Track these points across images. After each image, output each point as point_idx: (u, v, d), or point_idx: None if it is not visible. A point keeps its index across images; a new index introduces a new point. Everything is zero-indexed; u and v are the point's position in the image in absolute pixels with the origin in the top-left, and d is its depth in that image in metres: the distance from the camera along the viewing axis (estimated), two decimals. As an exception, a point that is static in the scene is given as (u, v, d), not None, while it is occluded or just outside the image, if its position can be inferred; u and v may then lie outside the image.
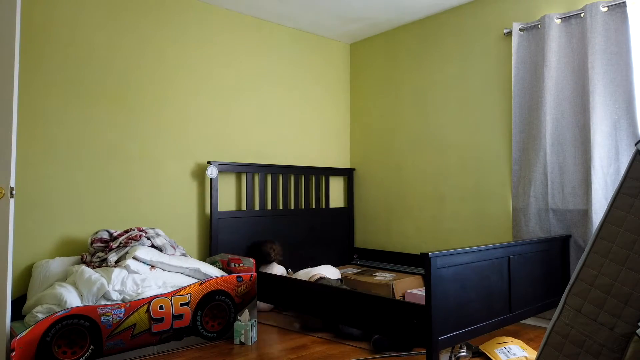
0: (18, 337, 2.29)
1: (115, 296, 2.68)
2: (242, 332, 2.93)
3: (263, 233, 4.02)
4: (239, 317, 2.99)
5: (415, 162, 4.23)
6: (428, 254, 2.28)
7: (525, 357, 2.56)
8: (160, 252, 3.03)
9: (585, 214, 3.08)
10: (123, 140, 3.40)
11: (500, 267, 2.69)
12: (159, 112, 3.58)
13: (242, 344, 2.93)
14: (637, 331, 1.54)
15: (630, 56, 2.91)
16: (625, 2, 2.93)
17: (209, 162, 3.72)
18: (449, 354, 2.61)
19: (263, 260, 3.78)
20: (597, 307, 1.65)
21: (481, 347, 2.68)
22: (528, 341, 2.93)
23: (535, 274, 2.95)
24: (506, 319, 2.71)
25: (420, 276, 3.80)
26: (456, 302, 2.41)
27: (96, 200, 3.27)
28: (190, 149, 3.73)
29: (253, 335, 2.95)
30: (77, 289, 2.68)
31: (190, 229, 3.72)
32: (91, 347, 2.50)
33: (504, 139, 3.61)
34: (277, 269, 3.80)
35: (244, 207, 3.98)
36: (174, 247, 3.19)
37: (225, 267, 3.35)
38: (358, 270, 4.19)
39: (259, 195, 4.02)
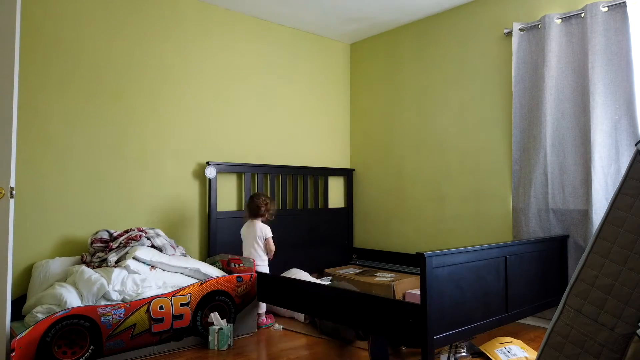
0: (18, 337, 2.29)
1: (115, 296, 2.68)
2: (211, 336, 2.84)
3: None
4: (209, 321, 2.90)
5: (415, 162, 4.23)
6: (423, 254, 2.29)
7: (526, 358, 2.56)
8: (160, 252, 3.03)
9: (586, 214, 3.08)
10: (123, 140, 3.40)
11: (497, 267, 2.69)
12: (160, 112, 3.57)
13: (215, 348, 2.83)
14: (638, 331, 1.54)
15: (631, 56, 2.91)
16: (625, 2, 2.93)
17: (207, 163, 3.71)
18: (447, 354, 2.60)
19: (251, 213, 3.45)
20: (598, 307, 1.65)
21: (481, 348, 2.68)
22: (528, 341, 2.93)
23: (533, 273, 2.94)
24: (503, 318, 2.71)
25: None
26: (452, 302, 2.42)
27: (96, 200, 3.27)
28: (190, 149, 3.72)
29: (224, 340, 2.83)
30: (77, 289, 2.68)
31: (190, 229, 3.72)
32: (91, 347, 2.50)
33: (504, 139, 3.60)
34: (258, 227, 3.42)
35: (244, 207, 3.98)
36: (173, 247, 3.19)
37: (225, 267, 3.35)
38: (359, 271, 4.19)
39: (259, 195, 4.01)
